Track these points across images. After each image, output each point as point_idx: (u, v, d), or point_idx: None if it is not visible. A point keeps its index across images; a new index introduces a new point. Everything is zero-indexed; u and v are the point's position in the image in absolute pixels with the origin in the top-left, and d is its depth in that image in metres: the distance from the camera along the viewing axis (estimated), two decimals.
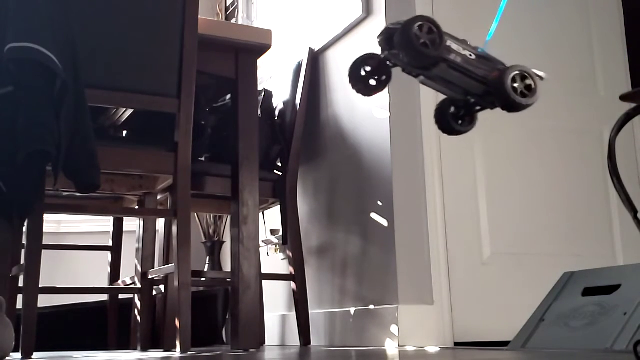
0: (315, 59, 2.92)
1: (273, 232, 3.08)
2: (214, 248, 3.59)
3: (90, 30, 1.98)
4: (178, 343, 1.99)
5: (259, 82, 2.45)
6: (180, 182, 2.08)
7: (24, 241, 1.90)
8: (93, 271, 3.39)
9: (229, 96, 2.59)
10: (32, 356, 1.82)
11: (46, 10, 1.79)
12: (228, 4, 4.10)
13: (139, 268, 2.62)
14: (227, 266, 3.54)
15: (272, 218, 3.04)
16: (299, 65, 2.90)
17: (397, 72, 1.46)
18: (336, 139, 2.82)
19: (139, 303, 2.61)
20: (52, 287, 2.55)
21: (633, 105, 2.09)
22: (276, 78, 3.13)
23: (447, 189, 2.50)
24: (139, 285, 2.60)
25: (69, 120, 1.80)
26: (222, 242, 3.62)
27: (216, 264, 3.59)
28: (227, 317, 3.19)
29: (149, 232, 2.64)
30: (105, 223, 3.34)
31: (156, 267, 2.62)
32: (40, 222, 1.90)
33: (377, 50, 1.43)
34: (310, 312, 2.71)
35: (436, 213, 2.45)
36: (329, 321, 2.71)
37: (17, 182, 1.84)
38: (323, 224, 2.88)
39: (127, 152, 2.10)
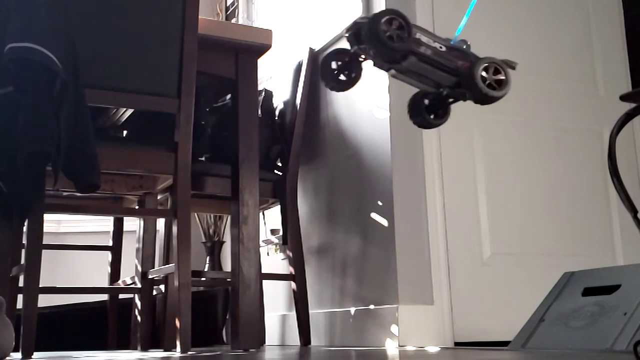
0: (315, 59, 2.92)
1: (273, 232, 3.08)
2: (214, 248, 3.59)
3: (90, 30, 1.98)
4: (178, 343, 1.99)
5: (259, 82, 2.45)
6: (180, 182, 2.08)
7: (24, 241, 1.90)
8: (93, 271, 3.39)
9: (229, 96, 2.59)
10: (32, 356, 1.81)
11: (46, 10, 1.79)
12: (228, 4, 4.10)
13: (139, 268, 2.62)
14: (227, 266, 3.54)
15: (272, 218, 3.04)
16: (299, 65, 2.90)
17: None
18: (336, 139, 2.82)
19: (139, 303, 2.61)
20: (52, 287, 2.54)
21: (633, 105, 2.09)
22: (276, 78, 3.13)
23: (447, 189, 2.50)
24: (139, 285, 2.60)
25: (69, 120, 1.80)
26: (222, 242, 3.62)
27: (216, 264, 3.58)
28: (227, 317, 3.19)
29: (149, 232, 2.64)
30: (105, 223, 3.34)
31: (156, 267, 2.62)
32: (40, 222, 1.90)
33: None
34: (310, 312, 2.71)
35: (436, 213, 2.45)
36: (329, 321, 2.71)
37: (17, 182, 1.84)
38: (323, 224, 2.88)
39: (127, 152, 2.10)
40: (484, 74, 1.39)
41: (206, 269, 3.55)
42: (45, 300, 2.11)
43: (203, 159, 2.64)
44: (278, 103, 2.91)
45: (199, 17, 2.14)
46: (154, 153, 2.11)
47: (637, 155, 2.85)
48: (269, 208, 2.91)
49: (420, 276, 2.39)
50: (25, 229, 1.91)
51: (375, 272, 2.50)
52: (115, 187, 2.54)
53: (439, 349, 2.15)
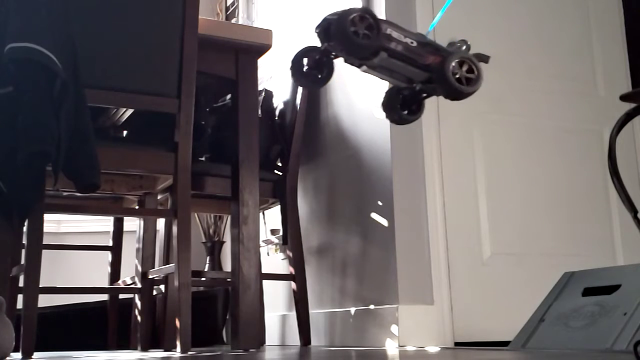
0: None
1: (273, 232, 3.08)
2: (214, 248, 3.59)
3: (90, 30, 1.98)
4: (178, 343, 1.99)
5: (259, 82, 2.45)
6: (180, 182, 2.08)
7: (24, 241, 1.90)
8: (93, 271, 3.39)
9: (229, 96, 2.59)
10: (32, 356, 1.81)
11: (46, 10, 1.79)
12: (228, 4, 4.10)
13: (139, 268, 2.62)
14: (227, 266, 3.54)
15: (272, 218, 3.04)
16: None
17: None
18: (336, 139, 2.82)
19: (139, 303, 2.61)
20: (52, 287, 2.55)
21: (633, 105, 2.08)
22: (276, 78, 3.13)
23: (447, 189, 2.50)
24: (139, 285, 2.61)
25: (69, 120, 1.80)
26: (222, 242, 3.62)
27: (216, 264, 3.59)
28: (227, 317, 3.19)
29: (149, 232, 2.64)
30: (105, 223, 3.34)
31: (156, 267, 2.62)
32: (40, 222, 1.90)
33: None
34: (310, 312, 2.71)
35: (436, 213, 2.45)
36: (329, 321, 2.71)
37: (17, 182, 1.84)
38: (323, 224, 2.88)
39: (127, 152, 2.10)
40: (455, 69, 1.38)
41: (206, 269, 3.55)
42: (45, 300, 2.11)
43: (203, 159, 2.64)
44: (278, 103, 2.91)
45: (199, 17, 2.14)
46: (154, 153, 2.11)
47: (637, 155, 2.85)
48: (269, 208, 2.91)
49: (420, 276, 2.39)
50: (25, 229, 1.91)
51: (375, 272, 2.50)
52: (115, 187, 2.54)
53: (439, 349, 2.15)
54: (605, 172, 2.50)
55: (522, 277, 2.53)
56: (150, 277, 2.54)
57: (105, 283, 2.95)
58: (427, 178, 2.46)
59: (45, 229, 1.92)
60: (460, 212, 2.51)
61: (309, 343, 2.66)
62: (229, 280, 2.49)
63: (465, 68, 1.39)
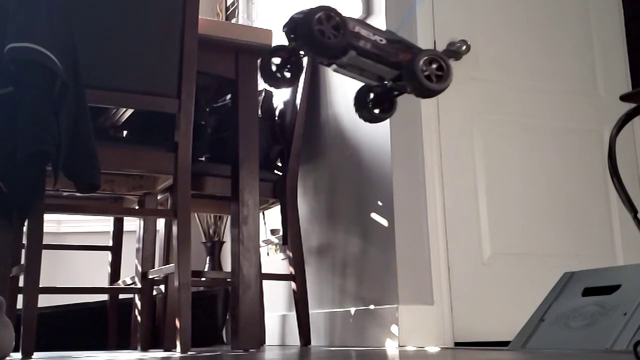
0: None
1: (273, 232, 3.08)
2: (214, 248, 3.59)
3: (90, 30, 1.98)
4: (178, 343, 1.99)
5: (259, 82, 2.45)
6: (180, 182, 2.08)
7: (24, 241, 1.90)
8: (93, 271, 3.39)
9: (229, 96, 2.59)
10: (32, 356, 1.81)
11: (46, 11, 1.79)
12: (228, 4, 4.10)
13: (139, 268, 2.62)
14: (227, 266, 3.54)
15: (272, 218, 3.04)
16: None
17: None
18: (336, 139, 2.82)
19: (139, 303, 2.61)
20: (52, 287, 2.55)
21: (633, 105, 2.08)
22: None
23: (447, 189, 2.50)
24: (139, 286, 2.60)
25: (69, 120, 1.80)
26: (222, 242, 3.62)
27: (216, 264, 3.58)
28: (227, 317, 3.19)
29: (149, 232, 2.64)
30: (105, 223, 3.34)
31: (156, 267, 2.62)
32: (40, 222, 1.90)
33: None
34: (310, 312, 2.71)
35: (436, 213, 2.45)
36: (329, 321, 2.71)
37: (17, 182, 1.84)
38: (323, 224, 2.88)
39: (127, 152, 2.10)
40: (424, 66, 1.37)
41: (206, 269, 3.55)
42: (45, 300, 2.11)
43: (203, 159, 2.64)
44: (278, 103, 2.91)
45: (199, 17, 2.14)
46: (154, 153, 2.11)
47: (637, 155, 2.85)
48: (269, 208, 2.91)
49: (420, 276, 2.39)
50: (25, 229, 1.91)
51: (375, 272, 2.50)
52: (115, 187, 2.54)
53: (439, 349, 2.15)
54: (605, 172, 2.50)
55: (522, 277, 2.53)
56: (150, 277, 2.54)
57: (105, 283, 2.95)
58: (427, 178, 2.46)
59: (45, 229, 1.92)
60: (460, 212, 2.51)
61: (309, 343, 2.66)
62: (229, 280, 2.49)
63: (435, 65, 1.39)
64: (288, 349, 2.49)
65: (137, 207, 2.71)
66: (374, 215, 2.54)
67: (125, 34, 2.03)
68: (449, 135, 2.54)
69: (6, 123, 1.78)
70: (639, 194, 2.44)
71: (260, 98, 2.77)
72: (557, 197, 2.69)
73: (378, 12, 2.58)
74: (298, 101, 2.78)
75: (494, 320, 2.44)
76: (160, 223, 2.70)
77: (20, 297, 1.92)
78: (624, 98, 2.09)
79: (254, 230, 2.28)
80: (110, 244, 2.91)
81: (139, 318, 2.60)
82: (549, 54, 2.79)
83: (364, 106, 1.53)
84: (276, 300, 3.15)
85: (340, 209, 2.77)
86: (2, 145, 1.80)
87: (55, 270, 3.42)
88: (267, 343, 3.08)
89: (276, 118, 2.87)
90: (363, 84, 1.50)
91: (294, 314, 2.77)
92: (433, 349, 2.16)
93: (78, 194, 2.54)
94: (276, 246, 3.17)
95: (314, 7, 1.31)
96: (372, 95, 1.53)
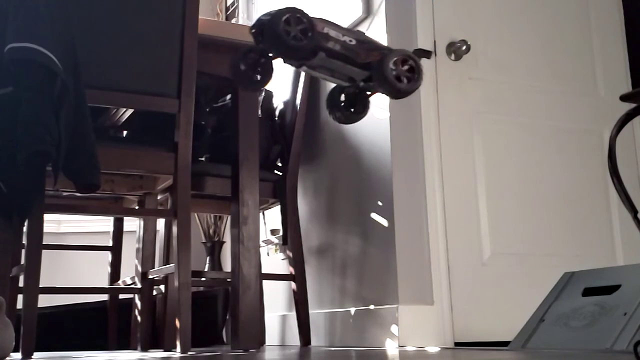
0: None
1: (273, 232, 3.08)
2: (214, 248, 3.59)
3: (90, 30, 1.98)
4: (178, 343, 1.99)
5: None
6: (180, 182, 2.08)
7: (24, 241, 1.90)
8: (93, 271, 3.39)
9: (229, 96, 2.59)
10: (32, 356, 1.81)
11: (46, 11, 1.79)
12: (228, 4, 4.10)
13: (139, 268, 2.62)
14: (227, 266, 3.54)
15: (272, 218, 3.04)
16: None
17: None
18: (336, 139, 2.82)
19: (139, 303, 2.61)
20: (52, 287, 2.55)
21: (633, 105, 2.08)
22: (276, 78, 3.13)
23: (447, 189, 2.50)
24: (139, 286, 2.61)
25: (69, 120, 1.80)
26: (222, 242, 3.62)
27: (216, 264, 3.59)
28: (227, 317, 3.19)
29: (149, 232, 2.64)
30: (105, 223, 3.34)
31: (156, 267, 2.62)
32: (40, 222, 1.90)
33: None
34: (310, 312, 2.71)
35: (436, 213, 2.45)
36: (329, 321, 2.71)
37: (17, 182, 1.84)
38: (323, 224, 2.88)
39: (127, 152, 2.10)
40: (394, 67, 1.36)
41: (206, 269, 3.55)
42: (45, 300, 2.11)
43: (203, 159, 2.64)
44: (278, 103, 2.91)
45: (199, 17, 2.14)
46: (154, 153, 2.11)
47: (637, 155, 2.85)
48: (269, 208, 2.91)
49: (420, 276, 2.39)
50: (25, 229, 1.91)
51: (375, 272, 2.50)
52: (115, 187, 2.54)
53: (439, 349, 2.15)
54: (605, 172, 2.50)
55: (522, 277, 2.53)
56: (150, 277, 2.54)
57: (105, 283, 2.95)
58: (427, 178, 2.46)
59: (45, 229, 1.92)
60: (460, 212, 2.51)
61: (309, 343, 2.66)
62: (229, 280, 2.49)
63: (405, 66, 1.37)
64: (288, 349, 2.49)
65: (137, 207, 2.72)
66: (374, 215, 2.54)
67: (125, 34, 2.03)
68: (448, 135, 2.54)
69: (6, 123, 1.78)
70: (639, 194, 2.44)
71: (260, 98, 2.77)
72: (557, 197, 2.69)
73: (378, 12, 2.58)
74: (298, 101, 2.78)
75: (494, 320, 2.44)
76: (160, 223, 2.70)
77: (20, 297, 1.92)
78: (624, 98, 2.09)
79: (254, 230, 2.28)
80: (110, 244, 2.91)
81: (139, 318, 2.60)
82: (549, 54, 2.79)
83: (337, 107, 1.52)
84: (276, 300, 3.15)
85: (340, 209, 2.77)
86: (2, 145, 1.80)
87: (55, 270, 3.42)
88: (267, 343, 3.08)
89: (276, 118, 2.87)
90: (335, 84, 1.49)
91: (294, 314, 2.77)
92: (433, 349, 2.16)
93: (78, 194, 2.54)
94: (276, 246, 3.17)
95: (281, 8, 1.30)
96: (344, 96, 1.53)
